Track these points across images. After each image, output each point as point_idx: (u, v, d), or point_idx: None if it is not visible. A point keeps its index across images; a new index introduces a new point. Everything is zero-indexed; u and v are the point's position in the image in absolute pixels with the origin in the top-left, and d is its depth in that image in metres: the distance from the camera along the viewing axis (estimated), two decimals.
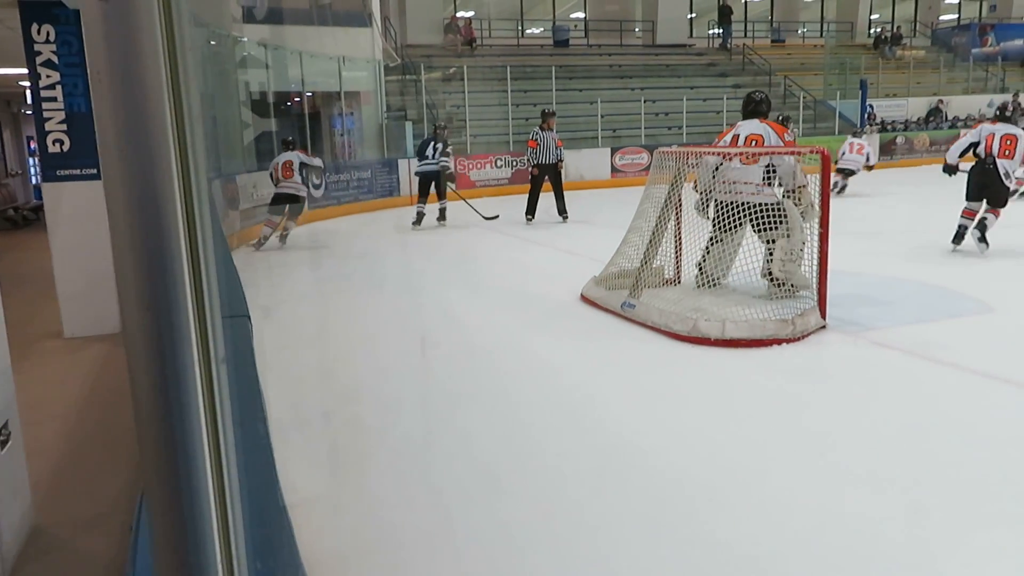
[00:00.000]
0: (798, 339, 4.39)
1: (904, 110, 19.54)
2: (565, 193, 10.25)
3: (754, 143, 5.33)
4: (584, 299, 5.62)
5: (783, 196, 5.13)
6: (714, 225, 5.29)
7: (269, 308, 5.20)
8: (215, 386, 0.67)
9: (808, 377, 3.93)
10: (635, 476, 2.86)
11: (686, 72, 19.71)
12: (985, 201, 6.73)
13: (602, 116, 16.04)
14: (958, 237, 6.91)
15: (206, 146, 0.69)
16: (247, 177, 9.61)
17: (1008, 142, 6.63)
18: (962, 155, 6.89)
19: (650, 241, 5.37)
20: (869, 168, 12.35)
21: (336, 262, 8.28)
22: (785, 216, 5.04)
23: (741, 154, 5.14)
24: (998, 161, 6.62)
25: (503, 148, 15.00)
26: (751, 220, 5.11)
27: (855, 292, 5.37)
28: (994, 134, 6.71)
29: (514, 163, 14.68)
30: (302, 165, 9.03)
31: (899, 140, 18.17)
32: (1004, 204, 6.72)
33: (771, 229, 5.06)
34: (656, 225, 5.36)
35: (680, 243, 5.63)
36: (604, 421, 3.42)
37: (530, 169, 10.20)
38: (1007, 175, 6.63)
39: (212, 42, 9.24)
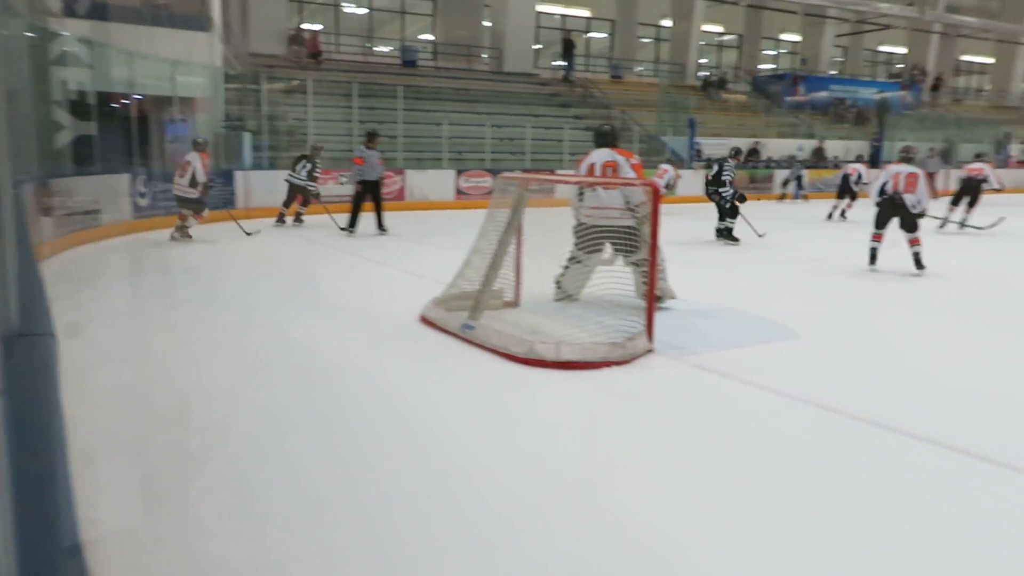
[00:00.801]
0: (628, 362, 4.59)
1: (727, 149, 21.07)
2: (406, 211, 11.41)
3: (610, 170, 5.90)
4: (424, 320, 5.61)
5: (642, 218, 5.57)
6: (577, 246, 5.65)
7: (80, 324, 4.80)
8: None
9: (636, 398, 4.11)
10: (466, 499, 2.87)
11: (531, 100, 20.30)
12: (904, 232, 7.95)
13: (448, 138, 16.18)
14: (872, 258, 8.07)
15: (8, 148, 0.63)
16: (63, 182, 8.86)
17: (910, 179, 7.85)
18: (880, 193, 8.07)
19: (491, 264, 5.45)
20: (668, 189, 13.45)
21: (160, 276, 7.78)
22: (642, 239, 5.39)
23: (602, 183, 5.71)
24: (904, 196, 7.81)
25: (347, 165, 14.75)
26: (615, 242, 5.56)
27: (680, 318, 5.70)
28: (899, 174, 7.92)
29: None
30: (194, 173, 9.41)
31: None
32: (916, 229, 7.90)
33: (634, 251, 5.48)
34: (497, 248, 5.46)
35: (520, 267, 5.76)
36: (439, 444, 3.41)
37: (355, 186, 10.81)
38: (912, 206, 7.80)
39: (29, 34, 8.48)
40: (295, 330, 5.41)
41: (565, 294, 5.71)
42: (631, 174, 5.87)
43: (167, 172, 12.04)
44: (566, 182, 5.55)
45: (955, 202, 12.68)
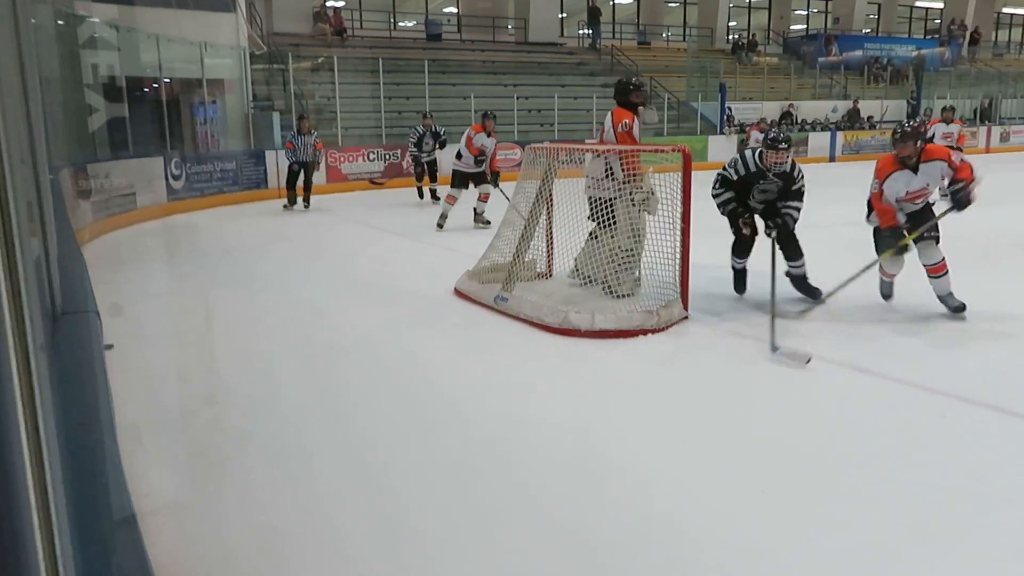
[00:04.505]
0: (663, 329, 4.56)
1: (759, 112, 20.69)
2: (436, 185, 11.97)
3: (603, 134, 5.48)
4: (457, 293, 5.63)
5: (618, 191, 5.08)
6: (592, 220, 5.30)
7: (121, 305, 4.89)
8: (33, 377, 0.61)
9: (672, 365, 4.09)
10: (504, 469, 2.89)
11: (557, 70, 20.08)
12: None
13: (475, 111, 16.09)
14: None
15: (46, 134, 0.63)
16: (99, 167, 8.99)
17: None
18: None
19: (522, 235, 5.44)
20: None
21: (197, 257, 7.89)
22: (614, 216, 5.09)
23: (593, 148, 5.32)
24: None
25: (375, 141, 14.77)
26: (595, 213, 5.15)
27: (713, 284, 5.63)
28: None
29: (387, 156, 14.49)
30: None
31: None
32: None
33: (597, 225, 5.18)
34: (528, 219, 5.43)
35: (551, 237, 5.73)
36: (477, 413, 3.43)
37: (293, 166, 11.11)
38: None
39: (60, 21, 8.58)
40: (331, 306, 5.46)
41: (582, 276, 5.34)
42: (614, 140, 5.32)
43: (199, 155, 12.20)
44: (595, 150, 5.43)
45: None
